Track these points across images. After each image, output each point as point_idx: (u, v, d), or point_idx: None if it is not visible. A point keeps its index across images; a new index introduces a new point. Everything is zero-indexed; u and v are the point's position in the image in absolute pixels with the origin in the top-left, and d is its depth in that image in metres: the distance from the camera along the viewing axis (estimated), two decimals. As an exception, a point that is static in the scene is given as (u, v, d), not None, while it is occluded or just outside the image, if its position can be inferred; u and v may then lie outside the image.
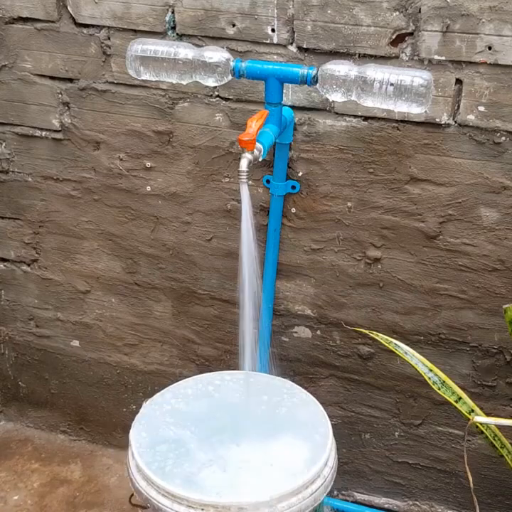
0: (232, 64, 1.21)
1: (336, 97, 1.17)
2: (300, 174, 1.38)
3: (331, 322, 1.50)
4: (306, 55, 1.28)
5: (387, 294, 1.43)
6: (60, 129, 1.50)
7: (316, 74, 1.17)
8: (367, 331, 1.27)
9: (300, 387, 1.29)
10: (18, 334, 1.78)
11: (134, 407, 1.74)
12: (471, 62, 1.20)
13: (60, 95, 1.47)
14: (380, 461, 1.60)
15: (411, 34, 1.21)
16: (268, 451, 1.16)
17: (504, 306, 1.16)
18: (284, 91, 1.23)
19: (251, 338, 1.20)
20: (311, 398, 1.26)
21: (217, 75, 1.21)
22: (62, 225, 1.61)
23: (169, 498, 1.07)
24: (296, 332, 1.53)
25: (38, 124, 1.51)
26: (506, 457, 1.19)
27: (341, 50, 1.25)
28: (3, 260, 1.71)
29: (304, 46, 1.27)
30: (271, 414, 1.23)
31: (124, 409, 1.77)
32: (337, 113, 1.31)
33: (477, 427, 1.18)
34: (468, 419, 1.12)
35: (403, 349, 1.19)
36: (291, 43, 1.28)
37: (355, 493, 1.66)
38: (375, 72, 1.13)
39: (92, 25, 1.38)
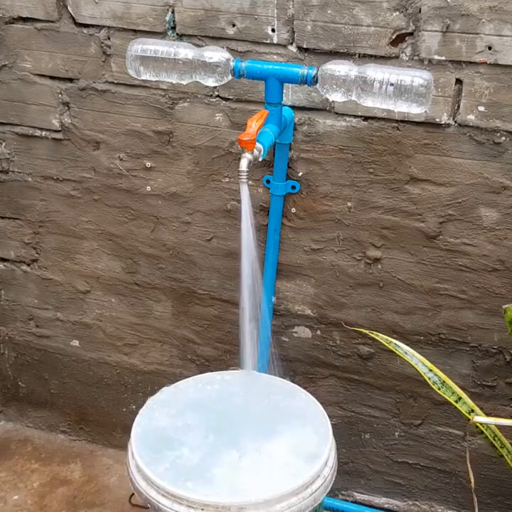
0: (232, 64, 1.21)
1: (336, 97, 1.17)
2: (300, 174, 1.38)
3: (331, 322, 1.50)
4: (306, 55, 1.28)
5: (387, 294, 1.43)
6: (60, 128, 1.50)
7: (316, 74, 1.17)
8: (367, 331, 1.27)
9: (300, 387, 1.28)
10: (18, 334, 1.78)
11: (134, 407, 1.74)
12: (471, 62, 1.20)
13: (60, 95, 1.47)
14: (380, 461, 1.60)
15: (411, 34, 1.21)
16: (268, 451, 1.16)
17: (504, 306, 1.16)
18: (284, 91, 1.23)
19: (251, 338, 1.20)
20: (310, 398, 1.26)
21: (217, 75, 1.21)
22: (62, 225, 1.61)
23: (169, 498, 1.07)
24: (296, 332, 1.53)
25: (38, 124, 1.51)
26: (506, 457, 1.19)
27: (341, 50, 1.25)
28: (3, 260, 1.71)
29: (304, 46, 1.27)
30: (271, 414, 1.23)
31: (124, 409, 1.77)
32: (337, 113, 1.31)
33: (477, 427, 1.18)
34: (468, 419, 1.12)
35: (403, 349, 1.19)
36: (291, 43, 1.28)
37: (355, 493, 1.66)
38: (375, 72, 1.13)
39: (92, 25, 1.38)
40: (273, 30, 1.27)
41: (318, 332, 1.52)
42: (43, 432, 1.88)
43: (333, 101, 1.29)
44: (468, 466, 1.05)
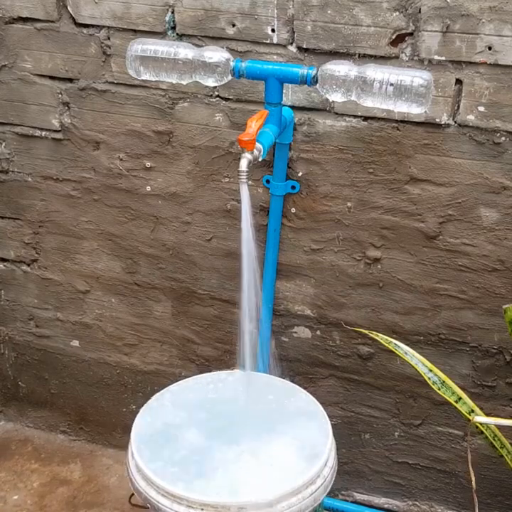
0: (232, 64, 1.21)
1: (336, 97, 1.17)
2: (300, 174, 1.38)
3: (331, 322, 1.50)
4: (306, 55, 1.28)
5: (386, 294, 1.43)
6: (59, 129, 1.50)
7: (316, 74, 1.17)
8: (367, 331, 1.27)
9: (300, 388, 1.29)
10: (18, 334, 1.78)
11: (134, 407, 1.74)
12: (471, 63, 1.20)
13: (59, 95, 1.47)
14: (380, 461, 1.60)
15: (411, 34, 1.21)
16: (268, 451, 1.17)
17: (504, 307, 1.16)
18: (284, 91, 1.23)
19: (251, 338, 1.20)
20: (310, 398, 1.26)
21: (217, 75, 1.21)
22: (62, 225, 1.61)
23: (169, 498, 1.07)
24: (295, 332, 1.53)
25: (38, 124, 1.51)
26: (506, 457, 1.19)
27: (341, 50, 1.25)
28: (3, 260, 1.71)
29: (304, 46, 1.27)
30: (270, 414, 1.23)
31: (124, 409, 1.77)
32: (337, 113, 1.31)
33: (477, 427, 1.18)
34: (468, 420, 1.12)
35: (403, 349, 1.19)
36: (291, 43, 1.28)
37: (355, 493, 1.65)
38: (375, 72, 1.13)
39: (92, 25, 1.38)
40: (273, 31, 1.27)
41: (318, 332, 1.52)
42: (43, 432, 1.88)
43: (332, 101, 1.29)
44: (470, 466, 1.05)
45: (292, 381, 1.33)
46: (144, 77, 1.24)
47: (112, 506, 1.67)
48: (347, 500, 1.64)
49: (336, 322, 1.49)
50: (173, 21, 1.32)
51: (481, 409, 1.20)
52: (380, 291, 1.43)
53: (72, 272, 1.66)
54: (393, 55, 1.23)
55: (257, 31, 1.28)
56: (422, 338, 1.44)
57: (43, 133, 1.52)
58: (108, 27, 1.37)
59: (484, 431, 1.17)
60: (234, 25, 1.29)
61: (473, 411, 1.16)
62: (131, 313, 1.65)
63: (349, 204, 1.38)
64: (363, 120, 1.30)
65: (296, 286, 1.49)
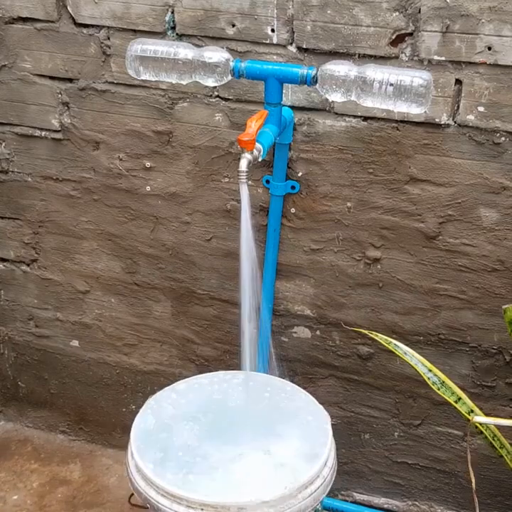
0: (231, 64, 1.21)
1: (336, 97, 1.17)
2: (300, 174, 1.38)
3: (331, 322, 1.50)
4: (305, 55, 1.28)
5: (386, 294, 1.43)
6: (59, 129, 1.50)
7: (316, 74, 1.17)
8: (366, 331, 1.27)
9: (299, 388, 1.29)
10: (18, 334, 1.78)
11: (134, 407, 1.74)
12: (470, 63, 1.20)
13: (59, 95, 1.47)
14: (380, 461, 1.60)
15: (411, 34, 1.21)
16: (268, 451, 1.16)
17: (504, 307, 1.16)
18: (284, 91, 1.23)
19: (251, 338, 1.20)
20: (310, 398, 1.26)
21: (217, 75, 1.21)
22: (62, 225, 1.61)
23: (168, 498, 1.07)
24: (295, 332, 1.53)
25: (38, 124, 1.51)
26: (505, 457, 1.19)
27: (341, 51, 1.25)
28: (3, 260, 1.71)
29: (304, 46, 1.27)
30: (270, 414, 1.23)
31: (124, 410, 1.77)
32: (336, 113, 1.31)
33: (476, 427, 1.18)
34: (468, 420, 1.12)
35: (403, 349, 1.19)
36: (291, 43, 1.28)
37: (355, 494, 1.65)
38: (375, 72, 1.13)
39: (92, 25, 1.38)
40: (273, 31, 1.27)
41: (318, 332, 1.52)
42: (43, 432, 1.88)
43: (332, 101, 1.29)
44: (470, 467, 1.05)
45: (292, 381, 1.33)
46: (143, 77, 1.24)
47: (112, 506, 1.67)
48: (347, 501, 1.64)
49: (335, 322, 1.49)
50: (173, 21, 1.32)
51: (481, 409, 1.20)
52: (380, 291, 1.43)
53: (71, 272, 1.66)
54: (393, 55, 1.23)
55: (257, 31, 1.28)
56: (421, 338, 1.44)
57: (43, 133, 1.52)
58: (108, 27, 1.37)
59: (484, 431, 1.17)
60: (234, 26, 1.29)
61: (472, 411, 1.17)
62: (131, 313, 1.65)
63: (349, 204, 1.38)
64: (363, 120, 1.30)
65: (295, 286, 1.49)
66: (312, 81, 1.18)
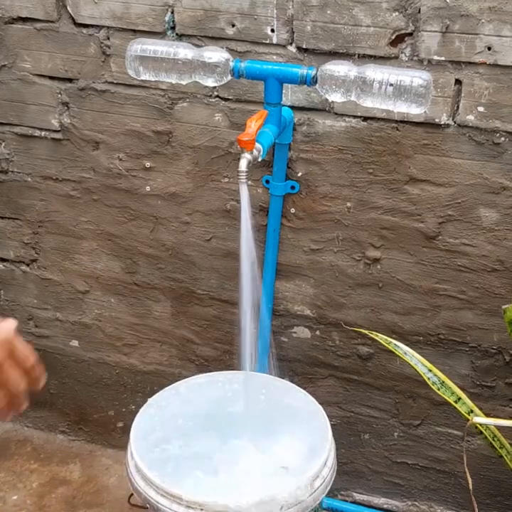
0: (231, 64, 1.21)
1: (336, 97, 1.17)
2: (299, 174, 1.38)
3: (331, 322, 1.50)
4: (305, 55, 1.28)
5: (386, 294, 1.43)
6: (59, 129, 1.50)
7: (316, 74, 1.17)
8: (366, 331, 1.27)
9: (299, 388, 1.29)
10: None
11: (133, 407, 1.74)
12: (470, 63, 1.20)
13: (59, 95, 1.47)
14: (379, 461, 1.60)
15: (410, 34, 1.21)
16: (267, 451, 1.17)
17: (503, 307, 1.16)
18: (284, 91, 1.23)
19: (251, 338, 1.20)
20: (310, 398, 1.26)
21: (217, 75, 1.21)
22: (62, 225, 1.61)
23: (168, 498, 1.07)
24: (295, 332, 1.53)
25: (38, 124, 1.51)
26: (505, 458, 1.19)
27: (341, 51, 1.25)
28: (3, 260, 1.71)
29: (304, 46, 1.27)
30: (270, 414, 1.24)
31: (123, 410, 1.77)
32: (336, 113, 1.31)
33: (476, 427, 1.18)
34: (468, 420, 1.12)
35: (402, 349, 1.19)
36: (291, 43, 1.28)
37: (354, 494, 1.65)
38: (375, 72, 1.13)
39: (92, 25, 1.38)
40: (272, 31, 1.27)
41: (318, 332, 1.52)
42: (42, 432, 1.88)
43: (332, 101, 1.29)
44: (466, 468, 1.05)
45: (292, 381, 1.33)
46: (143, 77, 1.24)
47: (111, 506, 1.67)
48: (346, 501, 1.64)
49: (335, 322, 1.49)
50: (173, 21, 1.32)
51: (481, 409, 1.20)
52: (380, 291, 1.43)
53: (71, 272, 1.65)
54: (393, 55, 1.23)
55: (257, 31, 1.28)
56: (421, 338, 1.44)
57: (43, 133, 1.52)
58: (107, 27, 1.37)
59: (483, 431, 1.17)
60: (233, 26, 1.29)
61: (472, 411, 1.17)
62: (131, 313, 1.65)
63: (349, 204, 1.38)
64: (363, 120, 1.30)
65: (295, 287, 1.49)
66: (312, 81, 1.18)
